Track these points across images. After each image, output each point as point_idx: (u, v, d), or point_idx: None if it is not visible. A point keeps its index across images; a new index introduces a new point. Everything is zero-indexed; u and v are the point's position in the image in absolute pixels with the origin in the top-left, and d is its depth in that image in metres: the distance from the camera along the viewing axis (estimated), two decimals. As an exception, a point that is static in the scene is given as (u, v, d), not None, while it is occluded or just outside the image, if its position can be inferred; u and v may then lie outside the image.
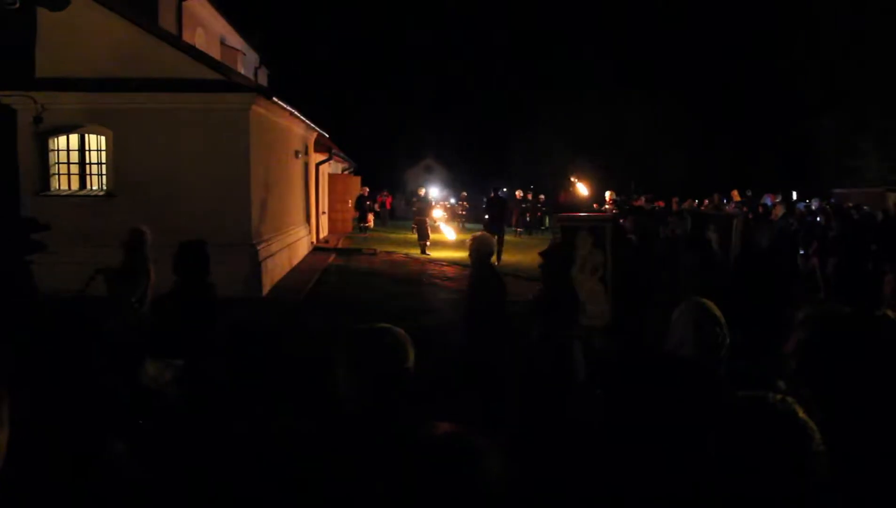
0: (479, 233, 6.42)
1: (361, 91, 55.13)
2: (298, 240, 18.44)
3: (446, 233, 20.68)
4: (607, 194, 18.57)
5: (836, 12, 33.33)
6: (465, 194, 35.06)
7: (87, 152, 13.42)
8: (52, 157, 13.33)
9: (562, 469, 2.48)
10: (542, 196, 30.39)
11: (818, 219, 14.81)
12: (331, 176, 27.45)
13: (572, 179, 12.12)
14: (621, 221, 10.26)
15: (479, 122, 54.85)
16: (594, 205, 16.57)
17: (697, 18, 42.97)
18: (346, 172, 32.00)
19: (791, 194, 23.95)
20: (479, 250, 5.83)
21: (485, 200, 22.36)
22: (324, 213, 25.24)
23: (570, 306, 7.19)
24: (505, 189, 35.76)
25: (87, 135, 13.35)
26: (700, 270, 8.27)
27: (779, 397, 1.64)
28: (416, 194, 24.69)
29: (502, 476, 1.44)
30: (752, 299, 6.29)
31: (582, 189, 12.31)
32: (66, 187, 13.41)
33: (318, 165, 23.32)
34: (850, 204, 18.00)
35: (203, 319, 4.79)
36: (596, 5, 49.19)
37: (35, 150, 13.05)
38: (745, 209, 17.78)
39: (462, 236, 20.60)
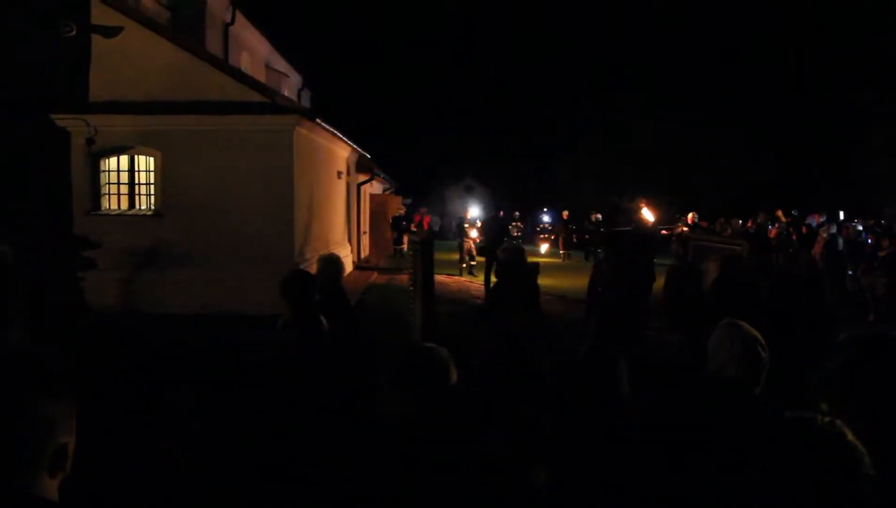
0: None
1: (403, 111, 55.63)
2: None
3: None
4: (689, 216, 18.29)
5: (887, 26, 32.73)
6: (518, 213, 32.55)
7: (136, 173, 13.77)
8: (104, 177, 13.67)
9: (602, 481, 2.47)
10: (597, 216, 28.20)
11: (867, 239, 14.48)
12: (372, 196, 27.67)
13: (639, 203, 11.41)
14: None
15: (520, 140, 54.87)
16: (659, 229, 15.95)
17: (747, 35, 42.48)
18: (387, 192, 32.17)
19: (838, 214, 23.45)
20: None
21: (483, 220, 21.79)
22: (365, 232, 25.44)
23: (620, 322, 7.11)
24: (545, 209, 35.24)
25: (136, 156, 13.70)
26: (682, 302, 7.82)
27: (827, 419, 1.61)
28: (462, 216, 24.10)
29: (546, 485, 1.45)
30: (790, 325, 6.05)
31: (647, 215, 11.60)
32: (116, 207, 13.75)
33: (359, 185, 23.54)
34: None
35: None
36: (639, 23, 49.00)
37: (87, 170, 13.42)
38: (790, 230, 17.49)
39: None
